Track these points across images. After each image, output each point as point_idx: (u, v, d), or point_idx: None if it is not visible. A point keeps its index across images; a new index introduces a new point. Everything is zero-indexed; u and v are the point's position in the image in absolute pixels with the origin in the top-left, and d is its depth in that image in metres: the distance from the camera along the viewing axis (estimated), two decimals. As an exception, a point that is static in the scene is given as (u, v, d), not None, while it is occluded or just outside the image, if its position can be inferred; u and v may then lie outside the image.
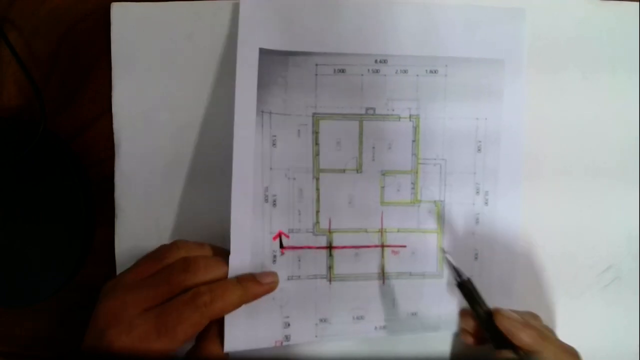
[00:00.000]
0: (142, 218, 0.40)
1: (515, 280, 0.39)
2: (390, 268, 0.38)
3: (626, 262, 0.40)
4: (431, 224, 0.38)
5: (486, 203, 0.38)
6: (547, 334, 0.34)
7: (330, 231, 0.38)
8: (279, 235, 0.37)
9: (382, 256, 0.38)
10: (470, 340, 0.37)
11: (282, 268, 0.37)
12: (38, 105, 0.38)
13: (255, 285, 0.34)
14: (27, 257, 0.39)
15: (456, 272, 0.36)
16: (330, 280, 0.38)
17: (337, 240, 0.38)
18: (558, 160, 0.40)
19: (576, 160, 0.40)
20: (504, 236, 0.38)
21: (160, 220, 0.40)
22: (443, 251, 0.38)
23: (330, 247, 0.38)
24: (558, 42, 0.39)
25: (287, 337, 0.36)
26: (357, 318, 0.38)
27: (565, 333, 0.39)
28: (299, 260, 0.37)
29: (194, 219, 0.40)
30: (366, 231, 0.38)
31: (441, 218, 0.38)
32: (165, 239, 0.40)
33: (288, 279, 0.37)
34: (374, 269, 0.38)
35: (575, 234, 0.40)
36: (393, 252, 0.38)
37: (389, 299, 0.38)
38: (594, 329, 0.40)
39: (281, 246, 0.37)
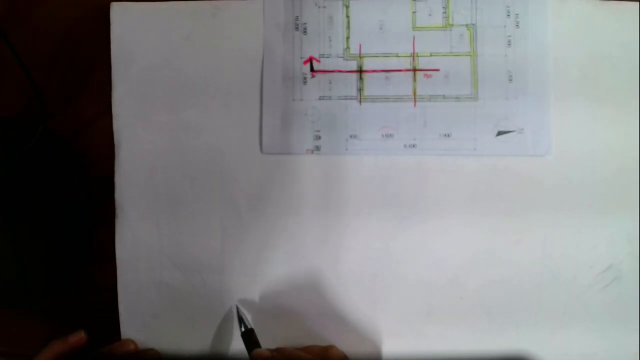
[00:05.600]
0: (142, 218, 0.40)
1: (549, 101, 0.39)
2: (422, 91, 0.39)
3: (626, 262, 0.40)
4: (464, 47, 0.39)
5: (517, 25, 0.39)
6: None
7: (360, 56, 0.39)
8: (310, 60, 0.39)
9: (414, 79, 0.39)
10: None
11: (313, 89, 0.39)
12: (38, 105, 0.38)
13: None
14: (27, 257, 0.39)
15: (241, 321, 0.38)
16: (360, 101, 0.39)
17: (368, 64, 0.39)
18: (557, 160, 0.40)
19: (575, 160, 0.40)
20: (536, 57, 0.39)
21: (160, 220, 0.40)
22: (237, 307, 0.39)
23: (360, 71, 0.39)
24: (558, 42, 0.39)
25: (317, 147, 0.39)
26: (387, 136, 0.39)
27: (565, 333, 0.39)
28: (330, 83, 0.39)
29: (194, 219, 0.40)
30: (397, 56, 0.39)
31: (473, 41, 0.39)
32: (165, 238, 0.40)
33: (319, 99, 0.39)
34: (406, 91, 0.39)
35: (575, 233, 0.40)
36: (425, 75, 0.39)
37: (420, 120, 0.39)
38: (594, 329, 0.40)
39: (312, 70, 0.39)
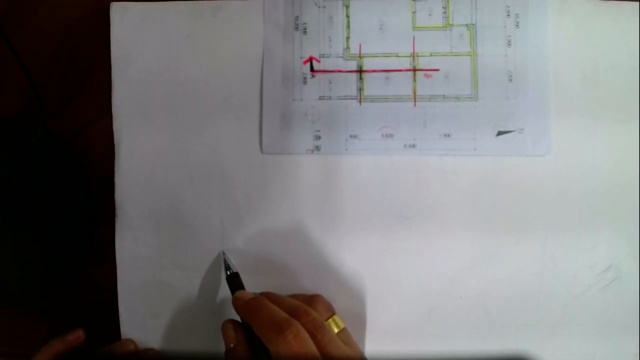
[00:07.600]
0: (142, 218, 0.40)
1: (549, 101, 0.39)
2: (422, 91, 0.39)
3: (626, 262, 0.40)
4: (464, 47, 0.39)
5: (517, 25, 0.39)
6: (256, 309, 0.34)
7: (360, 56, 0.39)
8: (310, 59, 0.39)
9: (414, 79, 0.39)
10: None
11: (313, 89, 0.39)
12: (38, 105, 0.38)
13: None
14: (27, 257, 0.39)
15: (226, 265, 0.39)
16: (360, 101, 0.39)
17: (368, 64, 0.39)
18: (557, 160, 0.40)
19: (575, 160, 0.40)
20: (536, 57, 0.39)
21: (160, 219, 0.40)
22: (223, 253, 0.39)
23: (360, 71, 0.39)
24: (558, 42, 0.39)
25: (317, 147, 0.39)
26: (387, 136, 0.39)
27: (565, 333, 0.39)
28: (330, 83, 0.39)
29: (194, 219, 0.40)
30: (397, 56, 0.39)
31: (473, 41, 0.39)
32: (165, 238, 0.40)
33: (319, 99, 0.39)
34: (406, 91, 0.39)
35: (575, 233, 0.40)
36: (425, 75, 0.39)
37: (420, 120, 0.39)
38: (594, 329, 0.40)
39: (312, 69, 0.39)
